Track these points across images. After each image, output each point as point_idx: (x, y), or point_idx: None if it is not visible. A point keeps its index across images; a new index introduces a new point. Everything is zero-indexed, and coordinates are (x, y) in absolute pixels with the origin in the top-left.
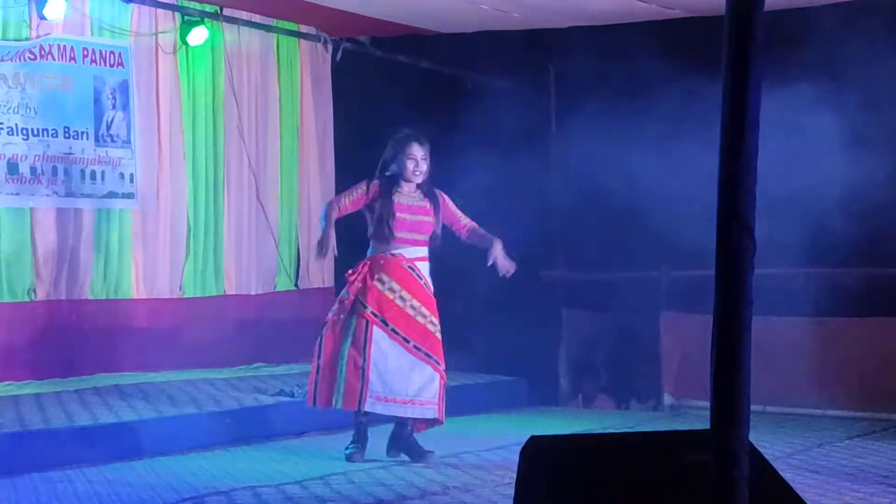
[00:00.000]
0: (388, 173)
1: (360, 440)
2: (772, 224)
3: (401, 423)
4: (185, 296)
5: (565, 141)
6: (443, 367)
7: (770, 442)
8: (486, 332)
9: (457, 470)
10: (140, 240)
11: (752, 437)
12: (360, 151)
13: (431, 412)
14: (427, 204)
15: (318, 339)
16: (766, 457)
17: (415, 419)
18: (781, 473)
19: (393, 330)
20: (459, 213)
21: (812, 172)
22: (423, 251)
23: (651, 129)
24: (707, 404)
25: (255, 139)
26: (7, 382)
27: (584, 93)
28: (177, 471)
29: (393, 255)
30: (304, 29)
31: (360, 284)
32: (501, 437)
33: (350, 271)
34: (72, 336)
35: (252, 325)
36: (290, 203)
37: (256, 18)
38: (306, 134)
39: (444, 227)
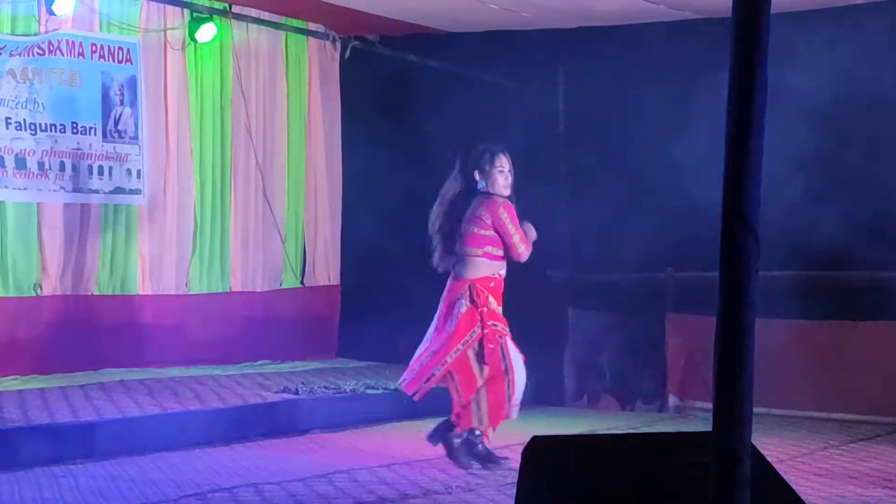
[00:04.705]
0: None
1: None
2: (778, 226)
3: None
4: (191, 292)
5: (573, 141)
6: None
7: (774, 445)
8: None
9: (460, 469)
10: (146, 236)
11: (756, 440)
12: (367, 150)
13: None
14: None
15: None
16: (770, 459)
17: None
18: (785, 476)
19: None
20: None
21: (824, 175)
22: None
23: (658, 130)
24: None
25: (263, 136)
26: (12, 377)
27: (592, 93)
28: (180, 467)
29: (500, 274)
30: (312, 27)
31: (486, 308)
32: (505, 437)
33: (475, 297)
34: (77, 331)
35: (257, 322)
36: (296, 201)
37: (265, 16)
38: (314, 132)
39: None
